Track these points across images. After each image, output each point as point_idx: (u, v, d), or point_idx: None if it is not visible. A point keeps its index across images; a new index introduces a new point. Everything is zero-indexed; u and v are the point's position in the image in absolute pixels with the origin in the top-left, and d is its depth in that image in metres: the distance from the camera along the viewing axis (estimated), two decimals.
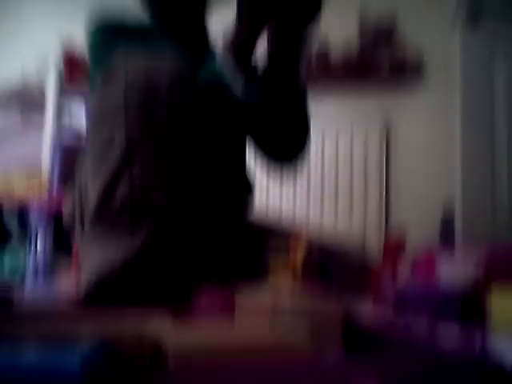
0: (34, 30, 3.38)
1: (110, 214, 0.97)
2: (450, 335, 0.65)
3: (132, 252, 0.94)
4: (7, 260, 2.09)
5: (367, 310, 0.87)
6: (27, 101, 3.26)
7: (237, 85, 1.00)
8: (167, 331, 0.54)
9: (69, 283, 1.63)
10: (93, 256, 0.99)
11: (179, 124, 0.99)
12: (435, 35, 2.55)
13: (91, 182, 1.02)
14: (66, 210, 1.17)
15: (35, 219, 1.99)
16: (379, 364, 0.50)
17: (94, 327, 0.57)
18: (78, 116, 2.55)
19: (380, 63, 2.57)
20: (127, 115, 0.97)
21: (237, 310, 0.67)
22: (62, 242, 1.67)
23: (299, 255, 0.80)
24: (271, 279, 0.78)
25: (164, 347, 0.50)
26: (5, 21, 3.54)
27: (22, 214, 2.07)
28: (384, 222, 2.53)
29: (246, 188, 1.18)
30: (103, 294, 0.96)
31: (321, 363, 0.56)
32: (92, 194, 1.00)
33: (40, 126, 2.53)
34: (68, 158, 2.28)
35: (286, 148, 1.19)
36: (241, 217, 1.11)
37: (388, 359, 0.60)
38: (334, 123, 2.67)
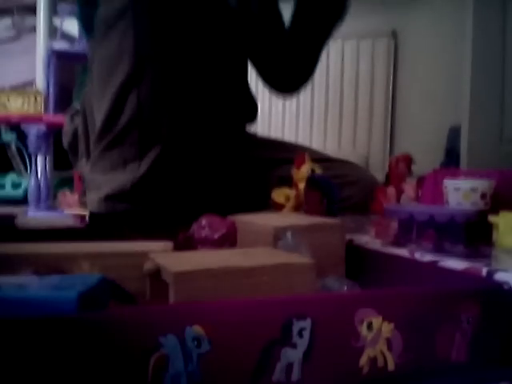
0: None
1: (115, 133, 0.95)
2: (454, 257, 0.64)
3: (139, 175, 0.94)
4: (9, 182, 2.09)
5: (371, 231, 0.87)
6: (18, 7, 3.11)
7: None
8: (168, 258, 0.53)
9: (71, 203, 1.64)
10: (101, 176, 0.99)
11: (190, 37, 0.94)
12: None
13: (97, 101, 0.99)
14: (66, 132, 1.15)
15: (33, 138, 1.96)
16: (381, 290, 0.50)
17: (94, 256, 0.56)
18: (70, 19, 2.42)
19: None
20: (136, 31, 0.91)
21: (238, 234, 0.66)
22: (63, 161, 1.66)
23: (303, 173, 0.78)
24: (274, 209, 0.77)
25: (165, 275, 0.49)
26: None
27: (20, 133, 2.04)
28: (388, 146, 2.49)
29: (250, 115, 1.16)
30: (108, 214, 0.97)
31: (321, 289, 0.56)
32: (98, 114, 0.98)
33: (32, 31, 2.41)
34: (63, 65, 2.20)
35: (289, 78, 1.18)
36: (244, 148, 1.09)
37: (391, 283, 0.60)
38: (339, 31, 2.54)
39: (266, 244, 0.61)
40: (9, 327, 0.35)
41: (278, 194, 0.78)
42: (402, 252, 0.70)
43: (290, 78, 1.20)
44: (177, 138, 0.96)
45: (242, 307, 0.42)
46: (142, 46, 0.92)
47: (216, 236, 0.62)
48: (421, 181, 0.96)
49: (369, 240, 0.78)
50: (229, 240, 0.63)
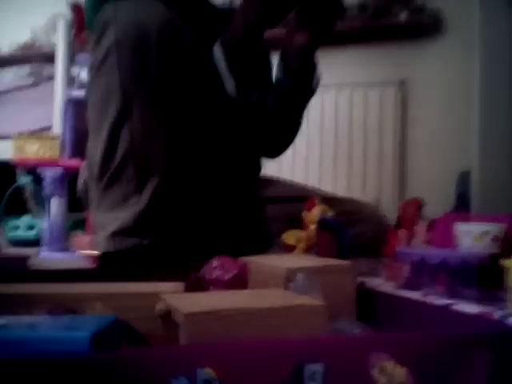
0: None
1: (113, 171, 0.97)
2: (466, 300, 0.64)
3: (140, 210, 0.95)
4: (23, 223, 2.12)
5: (383, 274, 0.86)
6: (36, 56, 3.24)
7: (228, 82, 0.98)
8: (179, 299, 0.53)
9: (84, 244, 1.65)
10: (104, 216, 1.00)
11: (171, 75, 0.96)
12: None
13: (93, 142, 1.01)
14: (81, 179, 1.17)
15: (49, 181, 2.00)
16: (393, 334, 0.49)
17: (106, 296, 0.57)
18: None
19: (397, 13, 2.47)
20: (121, 69, 0.94)
21: (250, 275, 0.66)
22: (77, 203, 1.69)
23: (314, 215, 0.79)
24: (284, 251, 0.78)
25: (175, 316, 0.49)
26: None
27: (36, 176, 2.08)
28: (398, 191, 2.49)
29: (253, 149, 1.18)
30: (118, 252, 0.97)
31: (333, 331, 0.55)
32: (96, 156, 1.00)
33: (50, 80, 2.48)
34: (80, 112, 2.26)
35: (271, 147, 1.28)
36: (248, 183, 1.11)
37: (403, 327, 0.59)
38: (348, 78, 2.60)
39: (278, 285, 0.61)
40: (19, 367, 0.35)
41: (289, 236, 0.78)
42: (414, 295, 0.69)
43: (269, 148, 1.30)
44: (174, 169, 0.97)
45: (253, 349, 0.42)
46: (128, 82, 0.94)
47: (227, 277, 0.62)
48: (432, 224, 0.96)
49: (380, 283, 0.77)
50: (240, 281, 0.63)
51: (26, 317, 0.46)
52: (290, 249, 0.77)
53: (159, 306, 0.53)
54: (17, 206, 2.28)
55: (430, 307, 0.63)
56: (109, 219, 0.98)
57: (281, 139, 1.30)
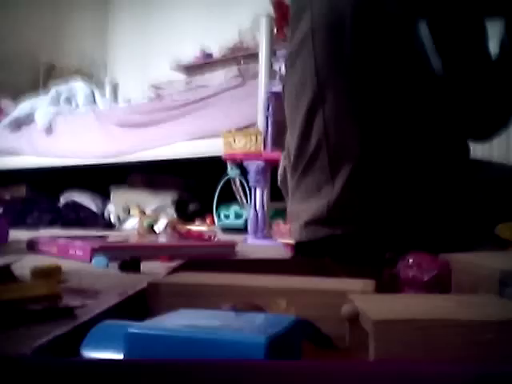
0: None
1: (307, 159, 0.97)
2: None
3: (333, 199, 0.92)
4: (232, 212, 2.29)
5: None
6: (243, 55, 3.47)
7: (435, 61, 0.87)
8: (369, 302, 0.48)
9: (283, 233, 1.70)
10: (299, 205, 1.00)
11: (365, 60, 0.90)
12: None
13: (290, 130, 1.03)
14: (280, 170, 1.20)
15: (253, 174, 2.12)
16: None
17: (292, 292, 0.54)
18: None
19: None
20: (316, 54, 0.93)
21: (453, 277, 0.57)
22: (278, 193, 1.75)
23: None
24: (498, 248, 0.65)
25: (364, 321, 0.44)
26: None
27: (243, 169, 2.22)
28: None
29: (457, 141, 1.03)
30: (310, 242, 0.96)
31: None
32: (291, 142, 1.01)
33: (255, 77, 2.62)
34: (279, 106, 2.34)
35: (483, 127, 1.00)
36: (453, 167, 0.97)
37: None
38: None
39: (490, 291, 0.50)
40: (192, 370, 0.34)
41: (505, 229, 0.65)
42: None
43: (486, 119, 1.01)
44: (368, 155, 0.91)
45: (459, 375, 0.34)
46: (323, 67, 0.92)
47: (426, 278, 0.54)
48: None
49: None
50: (441, 283, 0.54)
51: (206, 312, 0.46)
52: (505, 245, 0.64)
53: (346, 309, 0.48)
54: (227, 196, 2.48)
55: None
56: (302, 208, 0.98)
57: (496, 117, 1.10)
